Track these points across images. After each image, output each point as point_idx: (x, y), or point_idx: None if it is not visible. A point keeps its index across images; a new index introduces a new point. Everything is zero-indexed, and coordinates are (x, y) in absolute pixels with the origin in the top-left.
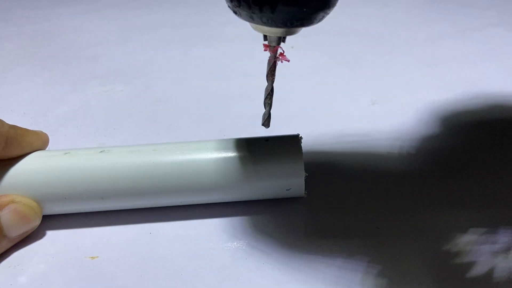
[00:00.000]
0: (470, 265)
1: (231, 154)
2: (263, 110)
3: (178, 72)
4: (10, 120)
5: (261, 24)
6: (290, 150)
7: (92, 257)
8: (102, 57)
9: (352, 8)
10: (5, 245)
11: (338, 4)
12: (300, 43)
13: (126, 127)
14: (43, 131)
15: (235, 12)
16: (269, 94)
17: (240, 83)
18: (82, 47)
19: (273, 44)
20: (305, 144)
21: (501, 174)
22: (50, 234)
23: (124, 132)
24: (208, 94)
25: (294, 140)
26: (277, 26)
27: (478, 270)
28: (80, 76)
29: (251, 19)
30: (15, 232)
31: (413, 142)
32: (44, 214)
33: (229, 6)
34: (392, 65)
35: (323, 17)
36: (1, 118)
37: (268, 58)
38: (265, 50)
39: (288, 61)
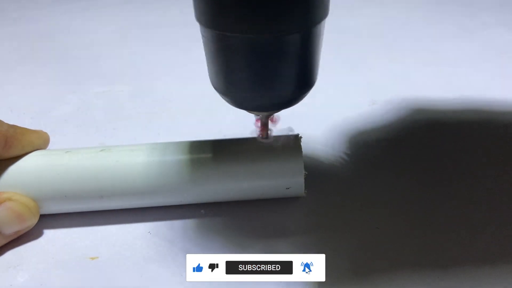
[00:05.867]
0: (470, 264)
1: (231, 153)
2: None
3: (178, 72)
4: (10, 120)
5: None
6: (290, 150)
7: (92, 258)
8: (102, 57)
9: (352, 8)
10: None
11: (338, 4)
12: None
13: (126, 127)
14: (43, 131)
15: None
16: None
17: None
18: (82, 47)
19: (264, 119)
20: (305, 144)
21: (508, 174)
22: (50, 234)
23: (124, 132)
24: (208, 94)
25: (294, 140)
26: (268, 111)
27: (479, 269)
28: (80, 76)
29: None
30: (9, 230)
31: (413, 142)
32: (45, 213)
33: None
34: (392, 65)
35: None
36: (1, 118)
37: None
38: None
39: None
